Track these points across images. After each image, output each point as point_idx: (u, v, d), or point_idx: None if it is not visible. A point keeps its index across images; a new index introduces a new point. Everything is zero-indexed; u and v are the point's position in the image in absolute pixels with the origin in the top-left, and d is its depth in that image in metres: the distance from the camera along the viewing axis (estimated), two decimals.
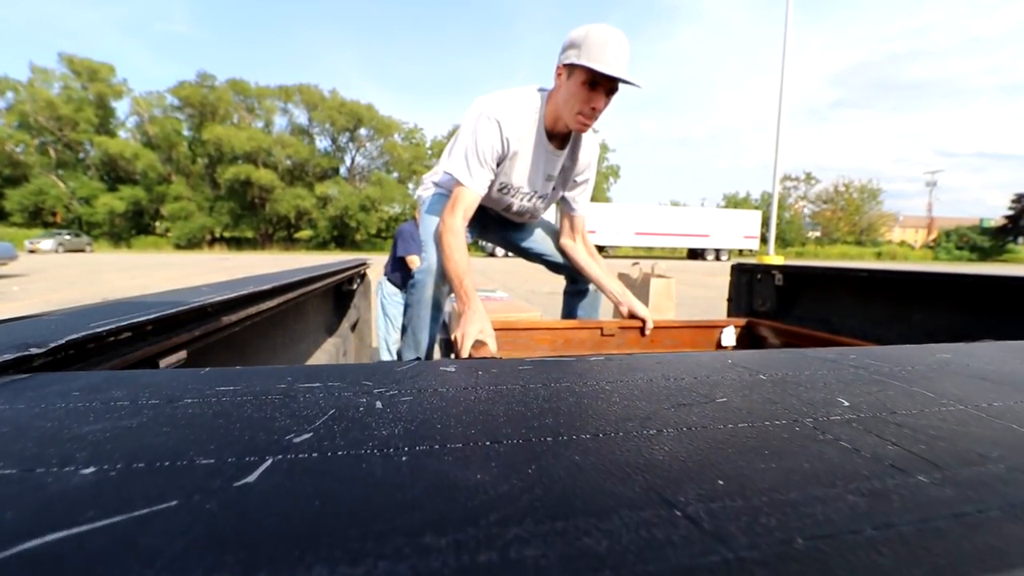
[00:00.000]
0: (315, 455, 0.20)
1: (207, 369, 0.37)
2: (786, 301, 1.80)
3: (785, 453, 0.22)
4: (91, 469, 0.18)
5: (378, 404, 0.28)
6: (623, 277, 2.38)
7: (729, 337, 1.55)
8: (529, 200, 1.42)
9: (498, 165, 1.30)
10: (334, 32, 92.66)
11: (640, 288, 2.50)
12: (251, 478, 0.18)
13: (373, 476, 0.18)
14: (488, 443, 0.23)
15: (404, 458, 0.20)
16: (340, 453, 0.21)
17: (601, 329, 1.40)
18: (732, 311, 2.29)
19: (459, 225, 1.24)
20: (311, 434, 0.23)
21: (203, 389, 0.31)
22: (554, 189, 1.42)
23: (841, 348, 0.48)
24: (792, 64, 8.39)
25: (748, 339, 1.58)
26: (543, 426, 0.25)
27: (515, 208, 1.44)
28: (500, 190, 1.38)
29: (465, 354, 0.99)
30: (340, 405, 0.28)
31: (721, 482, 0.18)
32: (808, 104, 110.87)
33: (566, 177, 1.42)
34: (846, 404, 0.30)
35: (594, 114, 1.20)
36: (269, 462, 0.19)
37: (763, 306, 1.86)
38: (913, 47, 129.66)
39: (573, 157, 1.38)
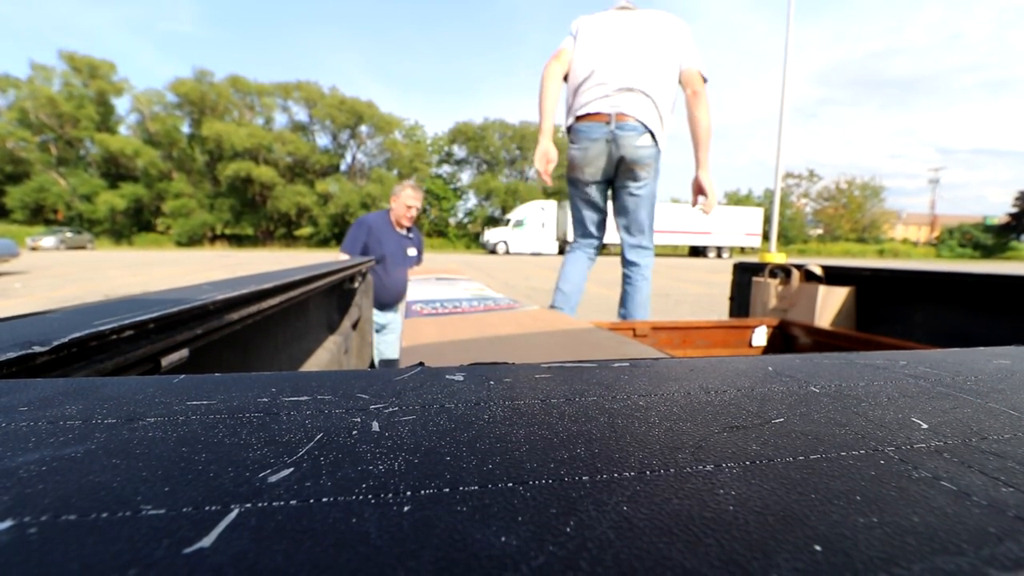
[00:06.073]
0: (293, 503, 0.17)
1: (180, 377, 0.32)
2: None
3: (882, 500, 0.18)
4: (7, 523, 0.15)
5: (375, 425, 0.24)
6: (760, 284, 1.97)
7: (760, 337, 1.54)
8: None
9: None
10: (337, 31, 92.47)
11: (802, 297, 1.76)
12: (207, 540, 0.14)
13: (367, 538, 0.15)
14: (510, 485, 0.19)
15: (406, 507, 0.17)
16: (325, 500, 0.17)
17: (634, 330, 1.41)
18: (734, 310, 2.28)
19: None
20: (291, 469, 0.19)
21: (171, 404, 0.27)
22: None
23: (887, 352, 0.44)
24: (793, 61, 8.33)
25: (780, 340, 1.58)
26: (575, 459, 0.21)
27: None
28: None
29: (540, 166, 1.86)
30: (329, 427, 0.24)
31: (818, 547, 0.15)
32: (794, 102, 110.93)
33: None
34: (924, 427, 0.26)
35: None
36: (234, 513, 0.16)
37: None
38: (892, 45, 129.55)
39: None
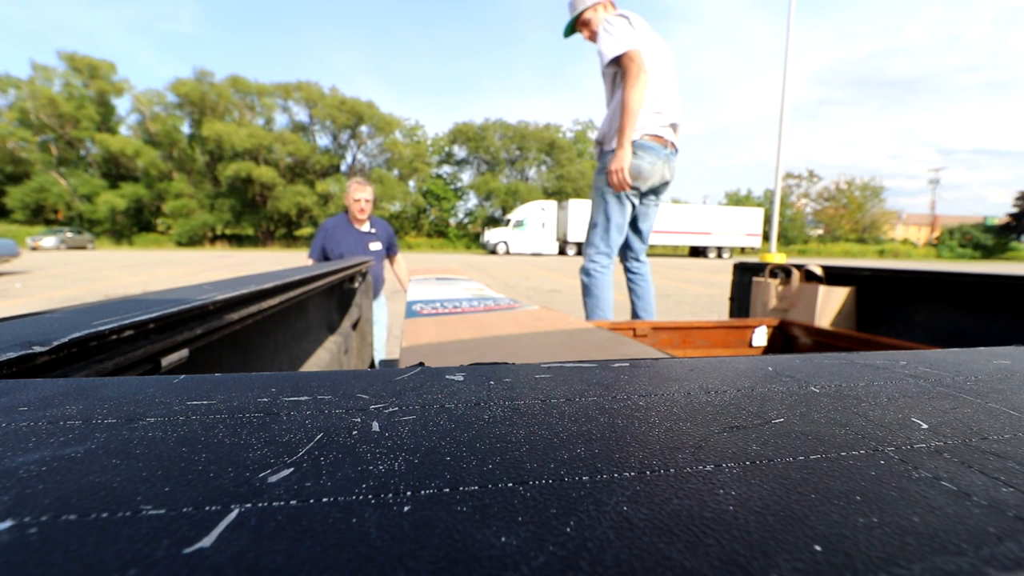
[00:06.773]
0: (294, 503, 0.17)
1: (180, 377, 0.32)
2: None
3: (882, 500, 0.18)
4: (7, 523, 0.15)
5: (375, 425, 0.24)
6: (760, 284, 2.02)
7: (760, 337, 1.55)
8: None
9: None
10: (337, 31, 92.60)
11: (803, 297, 1.77)
12: (207, 540, 0.14)
13: (367, 538, 0.15)
14: (510, 485, 0.19)
15: (407, 508, 0.17)
16: (325, 500, 0.17)
17: (634, 330, 1.42)
18: (734, 310, 2.29)
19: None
20: (291, 469, 0.19)
21: (171, 404, 0.27)
22: None
23: (887, 352, 0.44)
24: (793, 62, 8.33)
25: (780, 340, 1.58)
26: (575, 459, 0.21)
27: None
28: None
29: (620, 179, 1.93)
30: (329, 427, 0.24)
31: (818, 547, 0.15)
32: (794, 103, 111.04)
33: None
34: (924, 427, 0.26)
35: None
36: (234, 513, 0.16)
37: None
38: (892, 45, 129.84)
39: None
